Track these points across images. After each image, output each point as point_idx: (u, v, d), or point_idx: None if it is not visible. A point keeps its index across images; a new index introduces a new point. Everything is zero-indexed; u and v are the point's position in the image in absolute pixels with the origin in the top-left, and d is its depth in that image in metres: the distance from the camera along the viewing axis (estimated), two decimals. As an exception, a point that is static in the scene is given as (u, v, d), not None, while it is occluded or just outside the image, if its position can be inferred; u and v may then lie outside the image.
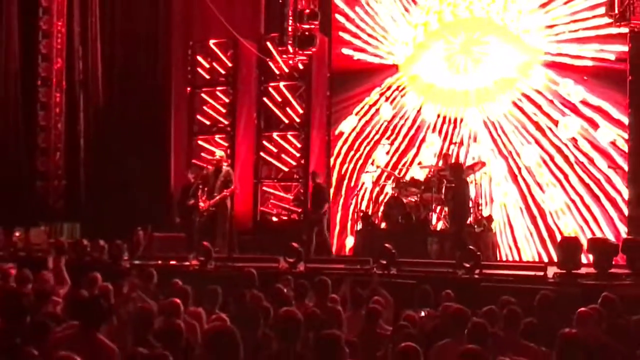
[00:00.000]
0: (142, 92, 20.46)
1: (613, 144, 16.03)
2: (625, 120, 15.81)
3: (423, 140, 18.19)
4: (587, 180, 16.24)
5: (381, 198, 17.85)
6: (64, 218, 20.29)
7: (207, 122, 20.62)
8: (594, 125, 16.22)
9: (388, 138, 18.46)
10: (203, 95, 20.66)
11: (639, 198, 15.52)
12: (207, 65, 20.53)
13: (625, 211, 15.76)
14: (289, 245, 14.67)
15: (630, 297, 10.00)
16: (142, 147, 20.06)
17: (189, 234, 16.80)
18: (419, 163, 17.92)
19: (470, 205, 15.59)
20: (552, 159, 16.71)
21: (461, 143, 17.65)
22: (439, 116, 18.05)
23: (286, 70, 19.73)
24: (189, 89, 20.68)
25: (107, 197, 20.11)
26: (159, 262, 15.27)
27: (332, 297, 9.61)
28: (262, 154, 19.98)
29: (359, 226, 17.27)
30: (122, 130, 20.34)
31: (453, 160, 16.77)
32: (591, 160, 16.24)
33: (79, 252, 16.36)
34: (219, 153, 17.75)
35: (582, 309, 7.06)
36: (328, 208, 17.76)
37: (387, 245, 13.70)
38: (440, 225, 16.38)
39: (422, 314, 8.71)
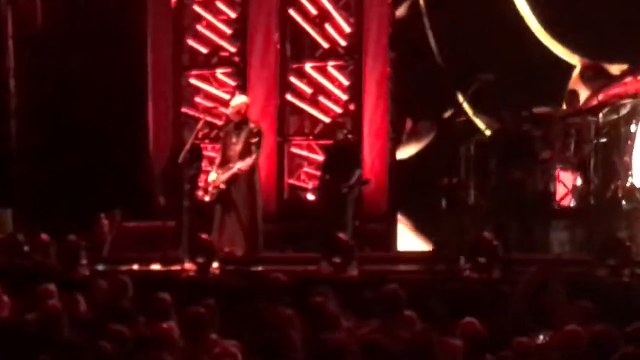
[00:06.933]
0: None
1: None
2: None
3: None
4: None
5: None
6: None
7: (204, 50, 13.37)
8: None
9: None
10: (195, 7, 13.20)
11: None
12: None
13: None
14: (332, 237, 10.66)
15: None
16: (105, 92, 13.48)
17: (180, 222, 11.69)
18: None
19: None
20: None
21: None
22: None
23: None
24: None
25: (52, 172, 13.90)
26: (134, 266, 11.78)
27: (407, 315, 6.92)
28: (288, 96, 12.90)
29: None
30: (73, 72, 13.56)
31: None
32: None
33: (13, 253, 12.55)
34: (239, 100, 11.47)
35: None
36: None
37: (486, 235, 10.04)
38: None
39: (541, 338, 6.43)
